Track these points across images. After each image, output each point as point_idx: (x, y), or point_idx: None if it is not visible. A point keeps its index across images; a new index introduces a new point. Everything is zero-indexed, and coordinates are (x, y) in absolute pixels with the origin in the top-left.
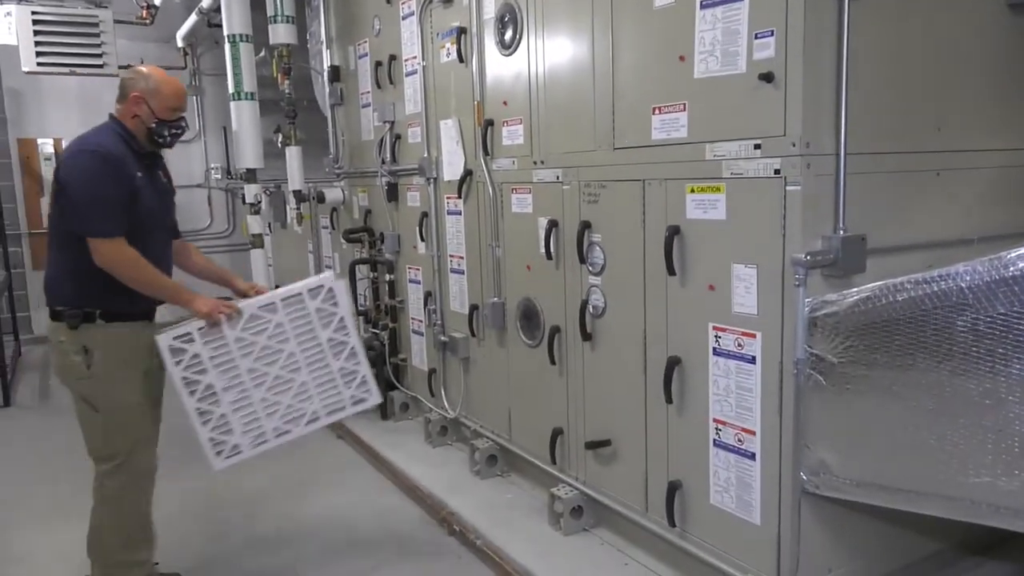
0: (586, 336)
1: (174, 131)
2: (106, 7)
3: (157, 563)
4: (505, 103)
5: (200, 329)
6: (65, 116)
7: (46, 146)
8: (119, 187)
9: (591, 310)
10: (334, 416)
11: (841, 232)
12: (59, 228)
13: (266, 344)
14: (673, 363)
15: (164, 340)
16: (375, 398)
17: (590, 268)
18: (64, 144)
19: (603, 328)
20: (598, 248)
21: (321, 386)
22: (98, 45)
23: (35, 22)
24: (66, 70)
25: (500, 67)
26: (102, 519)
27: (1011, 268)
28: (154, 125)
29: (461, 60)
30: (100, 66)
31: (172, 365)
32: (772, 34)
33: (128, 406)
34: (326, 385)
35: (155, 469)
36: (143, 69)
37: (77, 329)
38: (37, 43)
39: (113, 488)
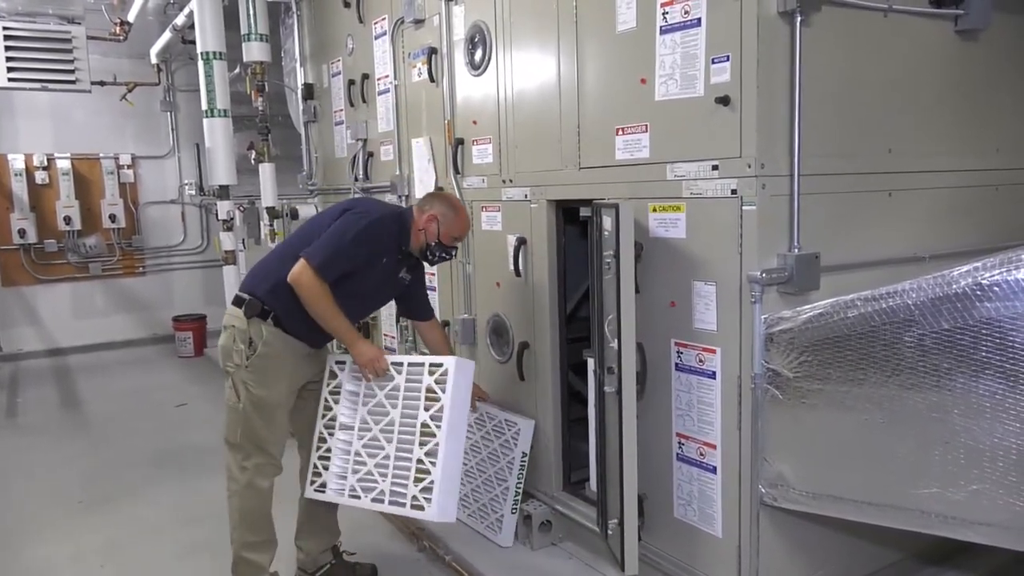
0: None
1: (443, 255)
2: (79, 23)
3: (275, 573)
4: (475, 122)
5: (353, 363)
6: (36, 132)
7: (16, 162)
8: (359, 251)
9: None
10: (392, 508)
11: (796, 250)
12: (296, 248)
13: (380, 400)
14: (638, 379)
15: (330, 360)
16: (430, 514)
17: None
18: (36, 160)
19: None
20: None
21: (398, 468)
22: (71, 61)
23: (6, 38)
24: (38, 86)
25: (470, 87)
26: (231, 511)
27: (955, 285)
28: (433, 244)
29: (432, 80)
30: (72, 82)
31: (325, 384)
32: (728, 59)
33: (263, 405)
34: (401, 470)
35: (278, 471)
36: (451, 197)
37: (250, 320)
38: (8, 59)
39: (238, 484)
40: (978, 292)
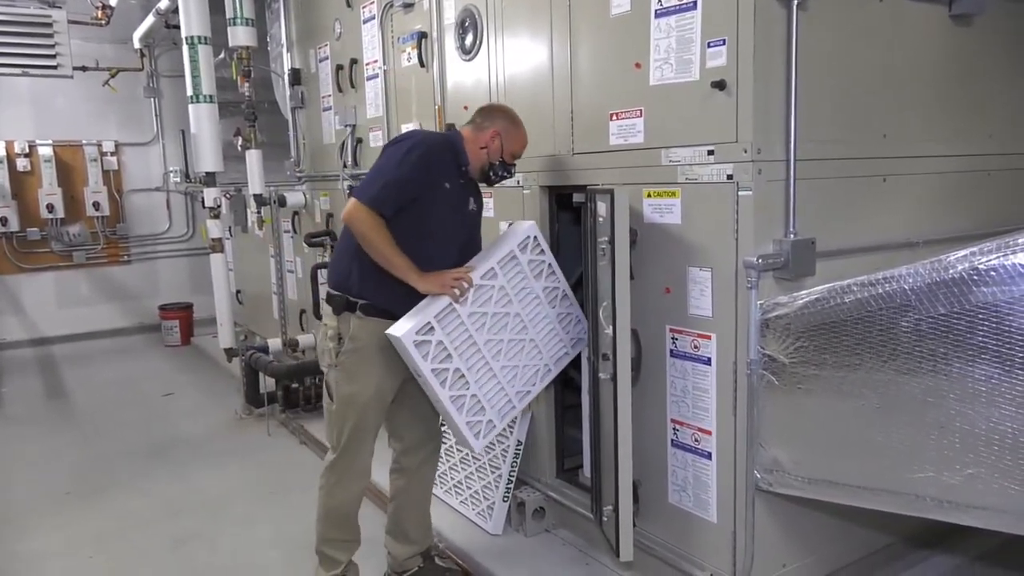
0: None
1: (504, 174)
2: (60, 7)
3: (353, 563)
4: (466, 108)
5: (437, 316)
6: (16, 117)
7: None
8: (412, 176)
9: None
10: (561, 363)
11: (792, 236)
12: None
13: (495, 312)
14: (633, 365)
15: (408, 338)
16: (585, 338)
17: None
18: (17, 146)
19: None
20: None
21: (546, 337)
22: (51, 46)
23: None
24: (18, 71)
25: (461, 72)
26: (318, 504)
27: (951, 270)
28: (497, 163)
29: (422, 64)
30: (53, 67)
31: (421, 361)
32: (724, 43)
33: (352, 403)
34: (550, 335)
35: (367, 475)
36: (510, 111)
37: (340, 316)
38: None
39: (326, 482)
40: (975, 277)
